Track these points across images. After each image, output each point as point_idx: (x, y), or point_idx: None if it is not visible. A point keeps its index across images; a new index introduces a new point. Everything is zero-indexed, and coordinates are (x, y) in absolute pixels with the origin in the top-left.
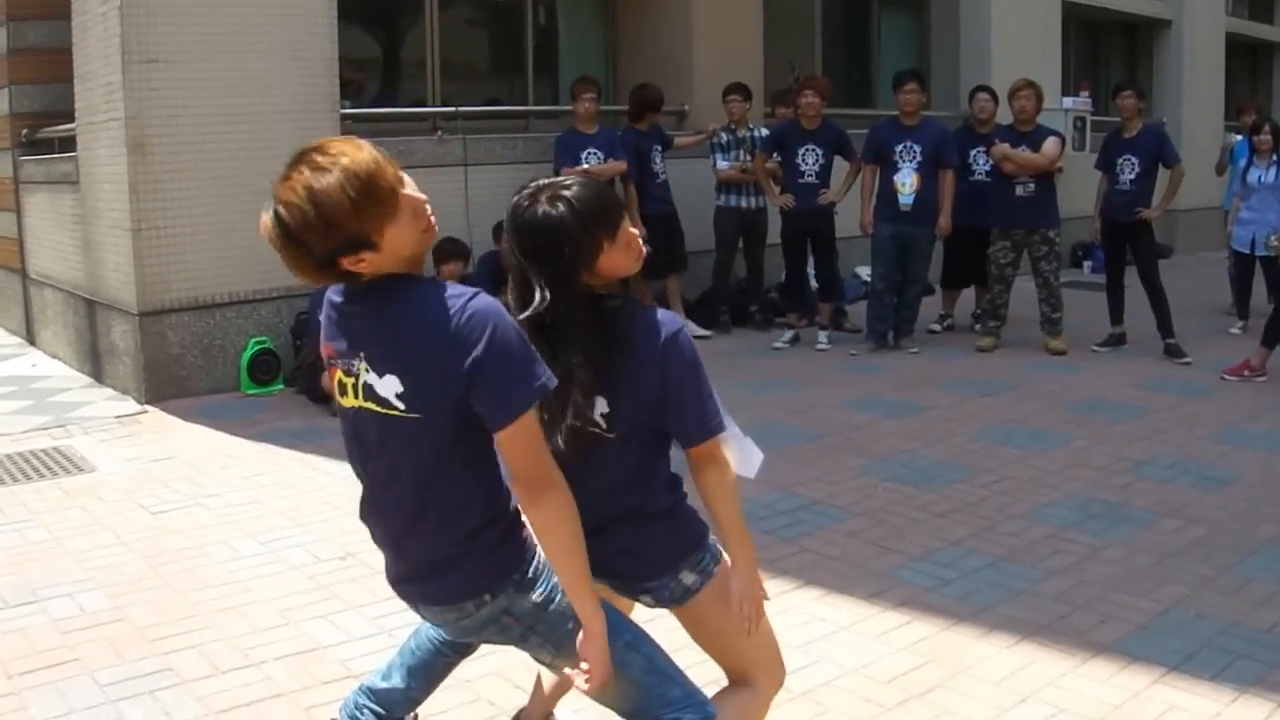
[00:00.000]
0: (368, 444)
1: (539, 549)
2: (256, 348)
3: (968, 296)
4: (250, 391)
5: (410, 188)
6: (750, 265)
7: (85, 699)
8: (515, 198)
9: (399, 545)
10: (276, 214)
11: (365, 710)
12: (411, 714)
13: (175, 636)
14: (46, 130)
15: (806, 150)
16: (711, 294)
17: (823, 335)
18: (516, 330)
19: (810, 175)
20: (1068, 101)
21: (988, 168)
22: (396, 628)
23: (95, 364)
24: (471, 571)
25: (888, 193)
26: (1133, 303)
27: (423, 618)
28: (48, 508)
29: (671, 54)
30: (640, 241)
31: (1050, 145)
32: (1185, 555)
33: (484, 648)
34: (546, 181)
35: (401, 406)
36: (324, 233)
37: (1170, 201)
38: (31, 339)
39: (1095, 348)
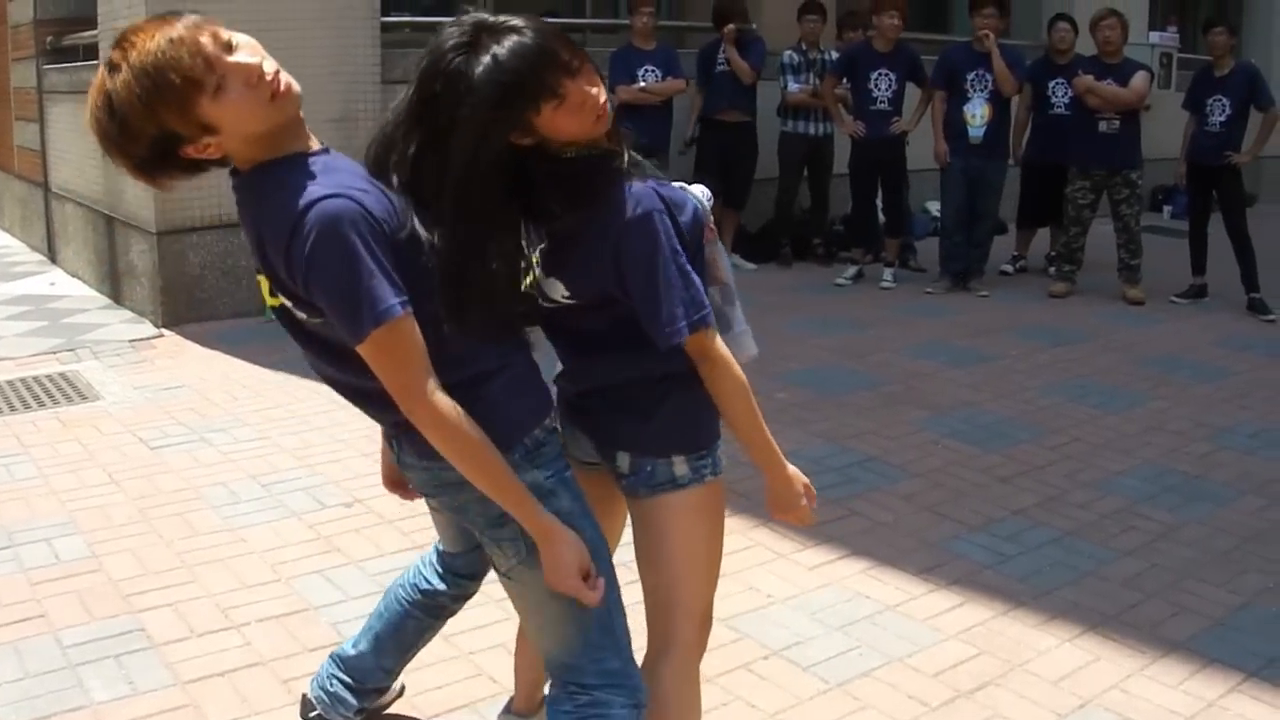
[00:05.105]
0: (300, 342)
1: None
2: None
3: (1041, 237)
4: (274, 317)
5: (242, 53)
6: (815, 196)
7: (44, 662)
8: (450, 27)
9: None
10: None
11: (334, 680)
12: (395, 685)
13: (153, 592)
14: (71, 37)
15: (879, 75)
16: (773, 225)
17: (888, 273)
18: (349, 243)
19: (883, 101)
20: (1154, 36)
21: (1067, 100)
22: None
23: (114, 284)
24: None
25: (957, 123)
26: (1216, 252)
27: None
28: (42, 440)
29: None
30: (604, 103)
31: (1139, 80)
32: (1269, 539)
33: (484, 618)
34: (489, 20)
35: (289, 304)
36: (129, 138)
37: (1262, 147)
38: (53, 256)
39: (1175, 299)
